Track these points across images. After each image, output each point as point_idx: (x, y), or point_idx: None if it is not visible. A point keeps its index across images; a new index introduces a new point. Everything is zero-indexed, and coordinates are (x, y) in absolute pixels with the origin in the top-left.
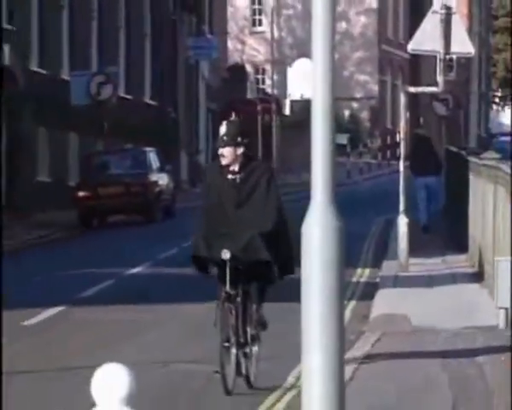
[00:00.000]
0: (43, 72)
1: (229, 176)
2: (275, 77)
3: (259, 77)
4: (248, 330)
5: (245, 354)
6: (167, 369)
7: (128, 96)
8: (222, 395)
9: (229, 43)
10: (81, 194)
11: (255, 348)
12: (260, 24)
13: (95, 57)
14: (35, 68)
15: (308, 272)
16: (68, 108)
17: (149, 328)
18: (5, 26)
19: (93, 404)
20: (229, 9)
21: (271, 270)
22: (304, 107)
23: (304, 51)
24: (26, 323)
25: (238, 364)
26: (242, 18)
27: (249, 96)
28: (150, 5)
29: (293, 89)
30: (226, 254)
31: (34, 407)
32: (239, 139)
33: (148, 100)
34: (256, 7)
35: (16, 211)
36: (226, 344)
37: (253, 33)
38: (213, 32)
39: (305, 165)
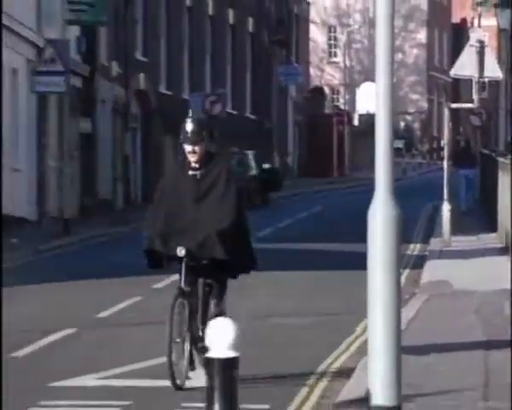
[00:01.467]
0: (169, 93)
1: (190, 172)
2: (346, 96)
3: (334, 96)
4: (207, 324)
5: (202, 349)
6: (264, 322)
7: (234, 112)
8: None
9: (311, 71)
10: None
11: None
12: (335, 55)
13: (208, 82)
14: (163, 91)
15: (372, 248)
16: None
17: (254, 289)
18: (141, 58)
19: (207, 348)
20: (311, 44)
21: (230, 266)
22: (369, 119)
23: (369, 76)
24: (154, 286)
25: (191, 359)
26: (321, 51)
27: (326, 111)
28: (251, 42)
29: (360, 105)
30: (181, 252)
31: (161, 352)
32: (204, 135)
33: (248, 114)
34: (332, 42)
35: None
36: (178, 340)
37: (329, 63)
38: (299, 61)
39: (371, 164)
